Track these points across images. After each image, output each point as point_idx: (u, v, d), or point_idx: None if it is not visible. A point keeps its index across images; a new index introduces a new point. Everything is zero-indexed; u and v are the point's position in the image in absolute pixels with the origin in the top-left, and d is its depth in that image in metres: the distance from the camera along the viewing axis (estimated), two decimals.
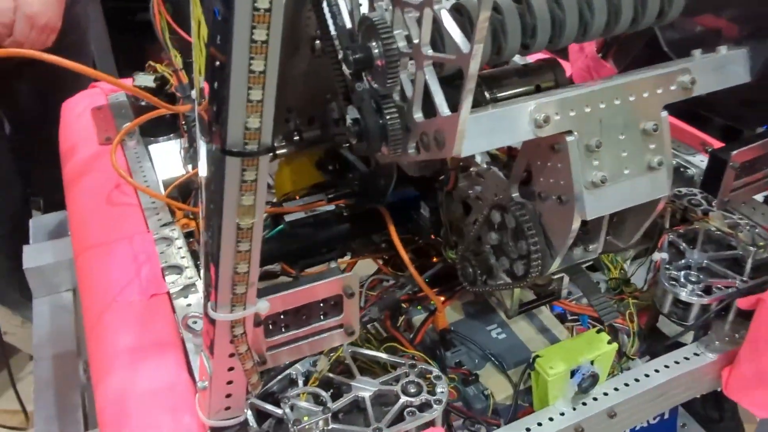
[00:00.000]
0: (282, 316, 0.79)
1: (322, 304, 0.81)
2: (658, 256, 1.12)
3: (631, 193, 0.78)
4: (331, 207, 1.32)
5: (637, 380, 1.02)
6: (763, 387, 1.02)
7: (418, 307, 1.19)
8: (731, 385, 1.06)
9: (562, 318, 1.21)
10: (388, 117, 0.76)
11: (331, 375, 0.93)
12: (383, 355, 0.96)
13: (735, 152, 1.01)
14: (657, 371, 1.03)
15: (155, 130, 1.44)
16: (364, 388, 0.90)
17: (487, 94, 0.83)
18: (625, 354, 1.13)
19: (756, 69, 0.82)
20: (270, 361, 0.81)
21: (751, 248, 1.10)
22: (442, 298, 1.18)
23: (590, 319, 1.20)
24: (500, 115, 0.71)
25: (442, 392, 0.90)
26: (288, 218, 1.31)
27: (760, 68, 0.82)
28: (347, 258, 1.33)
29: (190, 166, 1.38)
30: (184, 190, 1.37)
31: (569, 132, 0.74)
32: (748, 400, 1.05)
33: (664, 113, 0.79)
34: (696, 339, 1.08)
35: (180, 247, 1.09)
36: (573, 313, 1.21)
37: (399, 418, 0.87)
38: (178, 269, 1.04)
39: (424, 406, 0.88)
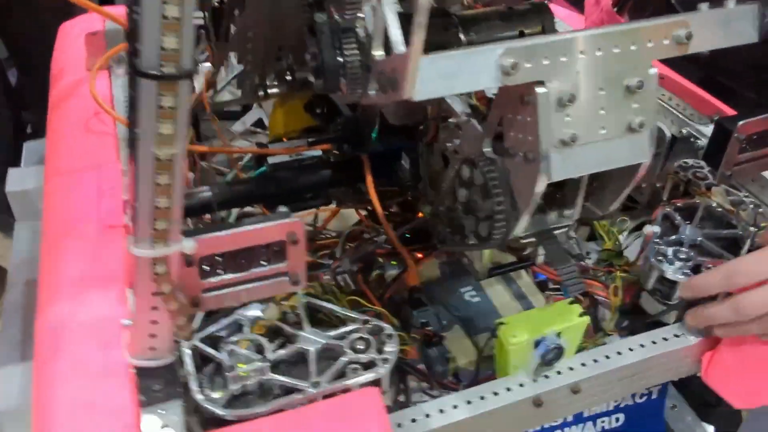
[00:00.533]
0: (219, 259, 0.74)
1: (264, 250, 0.76)
2: (650, 228, 1.05)
3: (605, 155, 0.71)
4: (318, 152, 1.27)
5: (607, 357, 0.96)
6: (743, 376, 0.96)
7: (393, 263, 1.14)
8: (711, 372, 1.00)
9: (543, 286, 1.15)
10: (347, 53, 0.70)
11: (280, 324, 0.88)
12: (337, 308, 0.92)
13: (742, 123, 0.92)
14: (631, 350, 0.97)
15: None
16: (311, 341, 0.86)
17: (462, 37, 0.76)
18: (603, 329, 1.07)
19: (766, 28, 0.73)
20: (206, 305, 0.77)
21: (752, 229, 1.02)
22: (420, 255, 1.13)
23: None
24: (463, 58, 0.64)
25: (391, 351, 0.85)
26: (271, 160, 1.27)
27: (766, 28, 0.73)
28: (332, 206, 1.29)
29: None
30: None
31: (540, 83, 0.67)
32: (726, 389, 0.98)
33: (653, 70, 0.71)
34: (679, 320, 1.01)
35: None
36: (556, 282, 1.15)
37: (343, 374, 0.83)
38: None
39: (370, 365, 0.84)
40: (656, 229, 1.04)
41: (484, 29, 0.77)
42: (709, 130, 1.23)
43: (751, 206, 1.06)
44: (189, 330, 0.75)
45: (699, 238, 1.02)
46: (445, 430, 0.87)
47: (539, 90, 0.67)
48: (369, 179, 1.06)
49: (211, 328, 0.88)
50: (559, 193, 0.85)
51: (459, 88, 0.65)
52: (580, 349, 1.02)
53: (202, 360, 0.85)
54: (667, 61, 1.43)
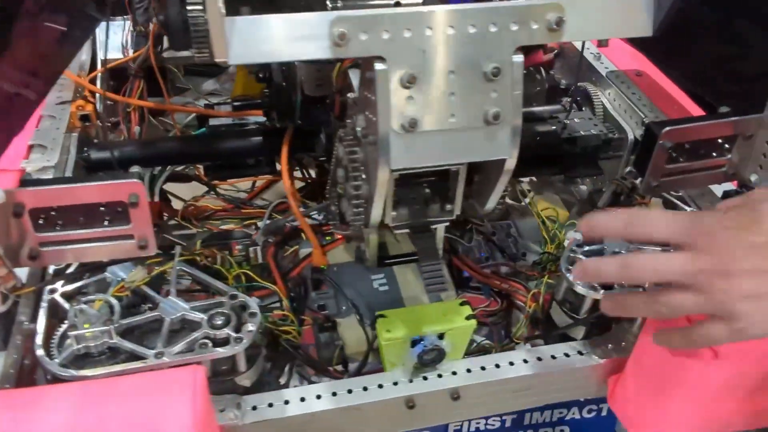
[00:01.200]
0: (54, 213, 0.71)
1: (107, 210, 0.73)
2: (572, 234, 0.96)
3: (456, 147, 0.64)
4: (261, 118, 1.24)
5: (497, 366, 0.89)
6: (642, 405, 0.87)
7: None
8: (615, 397, 0.92)
9: (465, 283, 1.09)
10: (189, 9, 0.65)
11: (145, 289, 0.86)
12: (208, 279, 0.88)
13: (667, 129, 0.83)
14: (526, 361, 0.90)
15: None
16: (170, 310, 0.83)
17: (328, 3, 0.69)
18: (511, 336, 1.00)
19: (660, 20, 0.64)
20: (44, 259, 0.74)
21: None
22: (339, 237, 1.08)
23: (493, 291, 1.07)
24: (288, 24, 0.59)
25: (250, 332, 0.81)
26: (213, 122, 1.24)
27: (664, 20, 0.64)
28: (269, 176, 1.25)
29: (131, 51, 1.32)
30: (119, 75, 1.31)
31: (380, 59, 0.61)
32: (626, 418, 0.91)
33: (519, 57, 0.63)
34: (587, 337, 0.93)
35: (58, 128, 1.03)
36: (479, 281, 1.08)
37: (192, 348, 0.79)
38: (42, 149, 0.99)
39: (223, 342, 0.80)
40: (578, 235, 0.96)
41: None
42: None
43: None
44: (11, 282, 0.73)
45: (623, 251, 0.94)
46: (301, 419, 0.83)
47: (378, 66, 0.61)
48: (284, 150, 1.02)
49: (77, 284, 0.86)
50: (443, 186, 0.78)
51: (284, 55, 0.60)
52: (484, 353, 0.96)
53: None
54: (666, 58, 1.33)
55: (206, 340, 0.80)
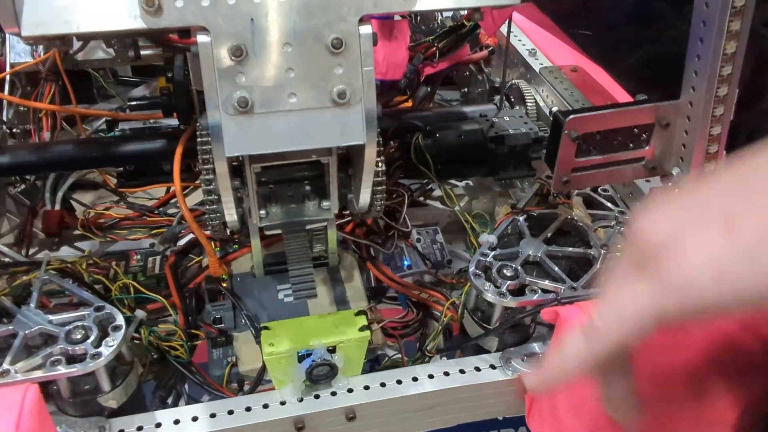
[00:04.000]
0: None
1: None
2: (484, 237, 0.89)
3: (299, 131, 0.57)
4: (174, 122, 1.17)
5: (399, 382, 0.81)
6: (560, 425, 0.79)
7: (217, 249, 1.02)
8: (532, 415, 0.83)
9: (381, 292, 1.01)
10: None
11: (4, 299, 0.78)
12: (74, 290, 0.80)
13: (571, 117, 0.75)
14: (431, 377, 0.82)
15: None
16: (27, 323, 0.75)
17: None
18: (422, 349, 0.92)
19: None
20: None
21: (602, 251, 0.85)
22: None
23: (410, 301, 0.99)
24: None
25: (110, 347, 0.73)
26: (122, 125, 1.18)
27: None
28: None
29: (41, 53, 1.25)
30: (34, 81, 1.24)
31: (203, 29, 0.53)
32: None
33: (366, 29, 0.56)
34: (501, 349, 0.85)
35: None
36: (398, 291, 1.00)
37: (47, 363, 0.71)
38: None
39: (79, 358, 0.72)
40: (491, 238, 0.88)
41: None
42: None
43: (613, 223, 0.88)
44: None
45: (539, 255, 0.86)
46: None
47: (201, 38, 0.53)
48: (178, 152, 0.94)
49: None
50: (319, 182, 0.71)
51: (86, 25, 0.52)
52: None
53: None
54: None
55: (60, 356, 0.72)
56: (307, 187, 0.73)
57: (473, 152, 1.07)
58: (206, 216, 0.66)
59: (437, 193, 1.18)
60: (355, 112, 0.57)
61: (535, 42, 1.23)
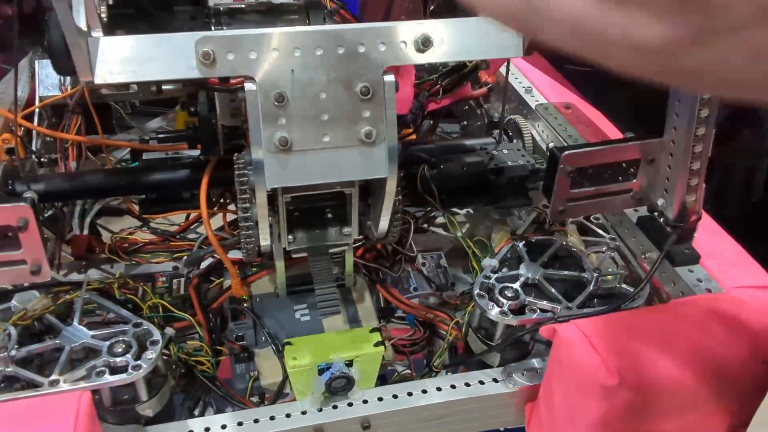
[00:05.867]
0: None
1: None
2: (487, 261, 0.97)
3: (331, 166, 0.65)
4: (196, 152, 1.25)
5: (409, 394, 0.88)
6: None
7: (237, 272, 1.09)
8: (531, 425, 0.91)
9: (390, 313, 1.08)
10: None
11: (49, 316, 0.85)
12: (112, 307, 0.88)
13: (567, 153, 0.84)
14: (439, 389, 0.89)
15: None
16: (72, 338, 0.82)
17: (213, 29, 0.71)
18: (430, 365, 0.99)
19: (528, 42, 0.66)
20: None
21: (595, 274, 0.93)
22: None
23: (417, 321, 1.06)
24: (154, 43, 0.60)
25: (149, 359, 0.80)
26: (146, 156, 1.25)
27: (530, 45, 0.65)
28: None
29: (69, 87, 1.33)
30: (61, 111, 1.32)
31: (250, 78, 0.62)
32: None
33: (390, 77, 0.64)
34: (503, 364, 0.92)
35: None
36: (405, 311, 1.08)
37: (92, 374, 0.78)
38: None
39: (121, 369, 0.79)
40: (494, 262, 0.96)
41: (239, 22, 0.72)
42: None
43: (605, 249, 0.96)
44: None
45: (537, 277, 0.94)
46: None
47: (248, 86, 0.62)
48: (204, 180, 1.02)
49: None
50: (340, 210, 0.79)
51: (150, 75, 0.61)
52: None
53: None
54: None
55: (104, 368, 0.79)
56: (329, 215, 0.80)
57: (475, 183, 1.15)
58: (242, 241, 0.73)
59: (440, 219, 1.26)
60: (379, 150, 0.65)
61: (530, 80, 1.32)
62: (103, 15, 0.66)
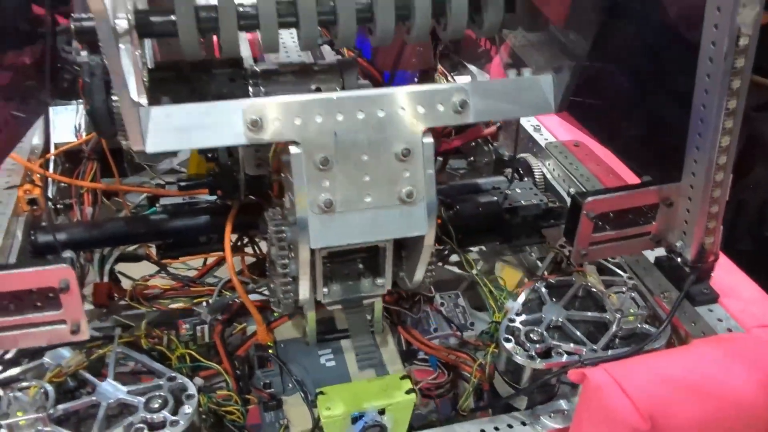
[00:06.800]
0: None
1: (35, 294, 0.74)
2: (510, 304, 0.98)
3: (373, 225, 0.67)
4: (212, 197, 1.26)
5: None
6: None
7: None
8: None
9: (413, 354, 1.09)
10: (114, 99, 0.68)
11: (83, 373, 0.86)
12: (146, 361, 0.88)
13: (590, 199, 0.86)
14: None
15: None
16: (107, 394, 0.83)
17: (251, 90, 0.73)
18: (457, 408, 1.00)
19: (560, 99, 0.68)
20: None
21: (617, 315, 0.94)
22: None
23: (440, 362, 1.07)
24: (203, 112, 0.62)
25: (186, 414, 0.81)
26: (164, 201, 1.26)
27: (564, 99, 0.68)
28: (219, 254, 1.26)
29: (84, 134, 1.35)
30: (74, 156, 1.33)
31: (294, 142, 0.64)
32: None
33: (428, 138, 0.66)
34: (530, 407, 0.94)
35: (3, 213, 1.04)
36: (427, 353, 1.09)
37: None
38: None
39: (159, 425, 0.80)
40: (515, 305, 0.98)
41: (276, 84, 0.74)
42: None
43: (624, 290, 0.99)
44: None
45: (561, 319, 0.95)
46: None
47: (292, 150, 0.64)
48: (228, 228, 1.03)
49: (13, 371, 0.86)
50: (373, 261, 0.80)
51: (200, 142, 0.63)
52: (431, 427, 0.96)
53: None
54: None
55: (142, 425, 0.79)
56: (361, 265, 0.82)
57: (490, 222, 1.17)
58: (280, 296, 0.75)
59: (454, 257, 1.28)
60: (419, 209, 0.67)
61: (538, 119, 1.35)
62: (145, 79, 0.67)
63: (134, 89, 0.60)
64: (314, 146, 0.63)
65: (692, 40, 0.77)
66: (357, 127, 0.64)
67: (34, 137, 1.30)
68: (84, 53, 0.69)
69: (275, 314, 1.09)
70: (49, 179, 1.30)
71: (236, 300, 1.11)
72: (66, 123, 1.38)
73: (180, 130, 0.61)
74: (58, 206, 1.31)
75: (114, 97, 0.67)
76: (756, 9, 0.70)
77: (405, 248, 0.77)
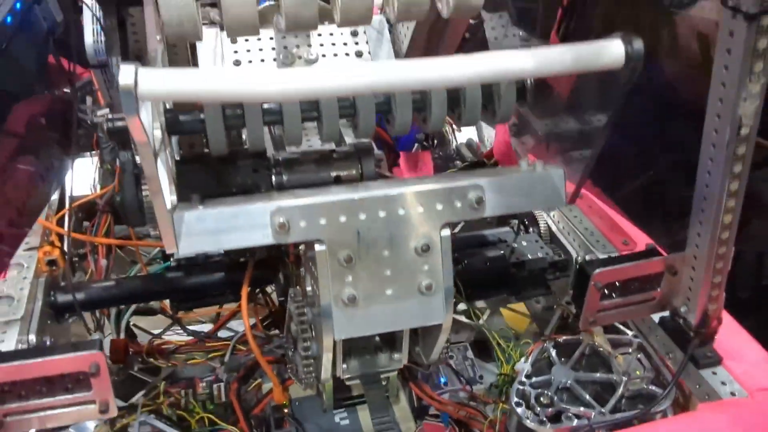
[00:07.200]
0: (17, 385, 0.75)
1: (65, 377, 0.76)
2: (520, 365, 1.01)
3: (394, 316, 0.70)
4: None
5: None
6: None
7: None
8: None
9: (425, 411, 1.12)
10: (144, 193, 0.71)
11: None
12: (169, 429, 0.91)
13: (598, 271, 0.90)
14: None
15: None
16: None
17: (274, 179, 0.76)
18: None
19: (573, 193, 0.72)
20: (10, 429, 0.77)
21: (624, 378, 0.97)
22: None
23: (451, 419, 1.10)
24: (233, 215, 0.65)
25: None
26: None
27: (575, 192, 0.71)
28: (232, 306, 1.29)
29: (99, 187, 1.38)
30: (89, 206, 1.36)
31: (319, 241, 0.67)
32: None
33: (446, 232, 0.69)
34: None
35: (25, 277, 1.07)
36: (438, 409, 1.12)
37: None
38: (9, 300, 1.02)
39: None
40: (525, 366, 1.01)
41: (297, 173, 0.77)
42: None
43: (630, 350, 1.02)
44: None
45: (570, 381, 0.98)
46: None
47: (318, 248, 0.67)
48: (245, 287, 1.06)
49: None
50: (390, 337, 0.83)
51: (229, 244, 0.66)
52: None
53: None
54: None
55: None
56: (378, 338, 0.85)
57: (498, 276, 1.20)
58: (303, 375, 0.78)
59: (461, 306, 1.30)
60: (437, 299, 0.70)
61: None
62: (173, 175, 0.70)
63: (168, 197, 0.63)
64: (338, 244, 0.67)
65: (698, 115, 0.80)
66: (378, 225, 0.67)
67: (54, 194, 1.33)
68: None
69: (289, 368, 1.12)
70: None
71: (251, 359, 1.13)
72: (78, 173, 1.40)
73: (211, 233, 0.64)
74: (74, 259, 1.33)
75: (144, 192, 0.70)
76: (756, 102, 0.73)
77: (422, 327, 0.80)
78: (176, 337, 1.24)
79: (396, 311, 0.70)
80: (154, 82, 0.49)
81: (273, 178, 0.76)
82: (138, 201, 0.71)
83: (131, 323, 1.28)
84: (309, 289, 0.75)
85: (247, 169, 0.75)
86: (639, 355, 1.01)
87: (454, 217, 0.69)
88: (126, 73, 0.49)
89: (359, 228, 0.67)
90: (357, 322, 0.68)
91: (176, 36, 0.71)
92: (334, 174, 0.78)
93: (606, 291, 0.93)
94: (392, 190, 0.68)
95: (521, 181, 0.71)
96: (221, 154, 0.71)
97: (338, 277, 0.67)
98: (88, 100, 1.38)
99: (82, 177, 1.41)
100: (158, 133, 0.62)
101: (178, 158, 0.76)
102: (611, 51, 0.58)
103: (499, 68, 0.55)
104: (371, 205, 0.67)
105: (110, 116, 0.70)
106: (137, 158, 0.71)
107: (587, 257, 1.19)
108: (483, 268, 1.20)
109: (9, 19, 0.94)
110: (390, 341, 0.84)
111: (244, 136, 0.78)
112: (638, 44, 0.58)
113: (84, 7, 0.96)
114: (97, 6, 0.96)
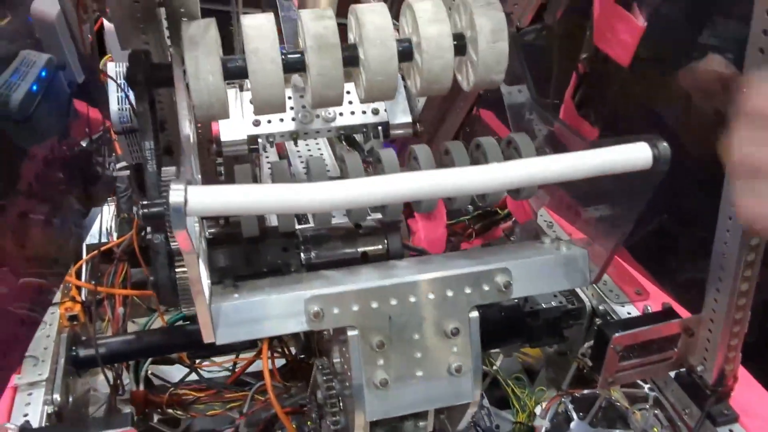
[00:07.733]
0: None
1: None
2: (539, 422, 1.03)
3: (424, 396, 0.71)
4: None
5: None
6: None
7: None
8: None
9: None
10: (178, 274, 0.72)
11: None
12: None
13: (617, 335, 0.91)
14: None
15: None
16: None
17: (302, 256, 0.78)
18: None
19: (597, 273, 0.73)
20: None
21: None
22: None
23: None
24: (268, 304, 0.67)
25: None
26: None
27: (601, 272, 0.73)
28: (249, 355, 1.30)
29: (116, 235, 1.39)
30: (106, 259, 1.37)
31: (351, 326, 0.68)
32: None
33: (474, 314, 0.71)
34: None
35: (48, 336, 1.08)
36: None
37: None
38: (34, 360, 1.03)
39: None
40: (544, 423, 1.02)
41: (325, 250, 0.79)
42: (623, 310, 1.22)
43: (648, 406, 1.03)
44: None
45: None
46: None
47: (350, 333, 0.68)
48: (265, 344, 1.07)
49: None
50: None
51: (265, 332, 0.67)
52: None
53: None
54: None
55: None
56: None
57: (513, 326, 1.22)
58: None
59: None
60: (466, 379, 0.72)
61: (552, 216, 1.40)
62: (204, 251, 0.72)
63: (207, 292, 0.64)
64: (370, 330, 0.68)
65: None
66: (409, 310, 0.69)
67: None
68: None
69: (309, 423, 1.13)
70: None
71: (262, 415, 1.15)
72: (96, 223, 1.42)
73: (247, 322, 0.66)
74: (91, 307, 1.35)
75: (178, 272, 0.72)
76: None
77: None
78: (194, 378, 1.25)
79: (427, 391, 0.71)
80: (203, 200, 0.51)
81: (302, 255, 0.78)
82: (171, 281, 0.72)
83: (149, 372, 1.29)
84: (336, 361, 0.77)
85: (277, 248, 0.77)
86: (656, 411, 1.03)
87: (482, 300, 0.71)
88: (176, 193, 0.50)
89: (391, 313, 0.68)
90: (389, 404, 0.70)
91: (205, 117, 0.73)
92: (361, 250, 0.80)
93: (625, 353, 0.94)
94: (422, 275, 0.70)
95: (547, 262, 0.73)
96: (252, 236, 0.73)
97: (370, 361, 0.69)
98: (104, 150, 1.39)
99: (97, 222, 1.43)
100: (196, 228, 0.63)
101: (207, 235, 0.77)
102: (638, 155, 0.60)
103: (530, 176, 0.57)
104: (402, 291, 0.69)
105: (144, 202, 0.71)
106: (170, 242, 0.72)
107: (601, 307, 1.21)
108: (498, 318, 1.21)
109: (35, 87, 0.96)
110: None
111: None
112: (664, 147, 0.60)
113: (108, 80, 0.97)
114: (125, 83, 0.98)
